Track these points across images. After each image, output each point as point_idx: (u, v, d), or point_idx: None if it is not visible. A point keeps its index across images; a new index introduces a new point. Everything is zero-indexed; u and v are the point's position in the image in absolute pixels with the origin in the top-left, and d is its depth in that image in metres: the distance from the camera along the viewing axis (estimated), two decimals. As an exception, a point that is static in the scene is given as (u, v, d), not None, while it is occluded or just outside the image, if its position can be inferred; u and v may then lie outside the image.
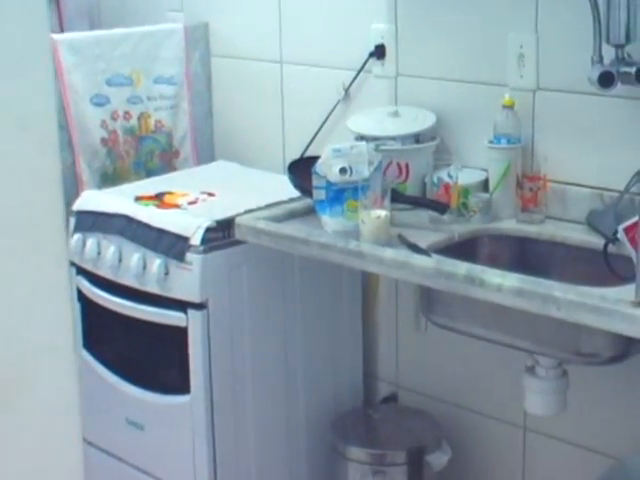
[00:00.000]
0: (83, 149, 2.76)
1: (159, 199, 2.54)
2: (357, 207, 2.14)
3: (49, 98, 1.11)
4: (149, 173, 2.87)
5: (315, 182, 2.21)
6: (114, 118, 2.82)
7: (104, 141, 2.81)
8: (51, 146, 1.09)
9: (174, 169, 2.92)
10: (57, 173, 1.12)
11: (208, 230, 2.33)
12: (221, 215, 2.38)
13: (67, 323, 1.29)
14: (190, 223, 2.36)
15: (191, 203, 2.50)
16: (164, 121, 2.91)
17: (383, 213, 2.11)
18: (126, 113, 2.84)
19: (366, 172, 2.17)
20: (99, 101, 2.79)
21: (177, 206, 2.49)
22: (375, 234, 2.11)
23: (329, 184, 2.18)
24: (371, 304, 2.70)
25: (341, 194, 2.17)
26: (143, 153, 2.88)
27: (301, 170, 2.33)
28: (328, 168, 2.19)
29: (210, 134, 3.01)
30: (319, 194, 2.21)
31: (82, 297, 2.60)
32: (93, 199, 2.60)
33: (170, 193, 2.58)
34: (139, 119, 2.87)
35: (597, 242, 2.07)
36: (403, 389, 2.69)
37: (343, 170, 2.17)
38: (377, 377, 2.74)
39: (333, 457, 2.49)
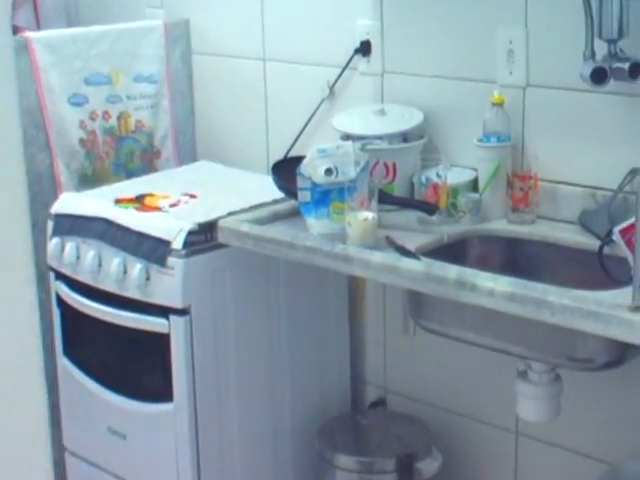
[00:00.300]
0: (61, 150, 2.71)
1: (139, 201, 2.49)
2: (343, 209, 2.10)
3: (12, 101, 1.04)
4: (129, 174, 2.82)
5: (300, 183, 2.17)
6: (93, 118, 2.76)
7: (82, 142, 2.75)
8: (15, 152, 1.04)
9: (155, 170, 2.87)
10: (22, 178, 1.07)
11: (190, 233, 2.28)
12: (203, 218, 2.33)
13: (35, 332, 1.24)
14: (171, 226, 2.31)
15: (172, 205, 2.46)
16: (144, 121, 2.85)
17: (370, 215, 2.07)
18: (105, 113, 2.78)
19: (352, 173, 2.12)
20: (77, 101, 2.74)
21: (158, 209, 2.44)
22: (362, 237, 2.06)
23: (314, 185, 2.13)
24: (358, 307, 2.66)
25: (327, 196, 2.13)
26: (123, 154, 2.83)
27: (285, 171, 2.29)
28: (313, 169, 2.14)
29: (192, 133, 2.97)
30: (304, 196, 2.16)
31: (61, 303, 2.56)
32: (72, 202, 2.55)
33: (151, 195, 2.53)
34: (119, 119, 2.81)
35: (590, 243, 2.03)
36: (391, 393, 2.65)
37: (328, 171, 2.13)
38: (365, 381, 2.70)
39: (320, 465, 2.45)
